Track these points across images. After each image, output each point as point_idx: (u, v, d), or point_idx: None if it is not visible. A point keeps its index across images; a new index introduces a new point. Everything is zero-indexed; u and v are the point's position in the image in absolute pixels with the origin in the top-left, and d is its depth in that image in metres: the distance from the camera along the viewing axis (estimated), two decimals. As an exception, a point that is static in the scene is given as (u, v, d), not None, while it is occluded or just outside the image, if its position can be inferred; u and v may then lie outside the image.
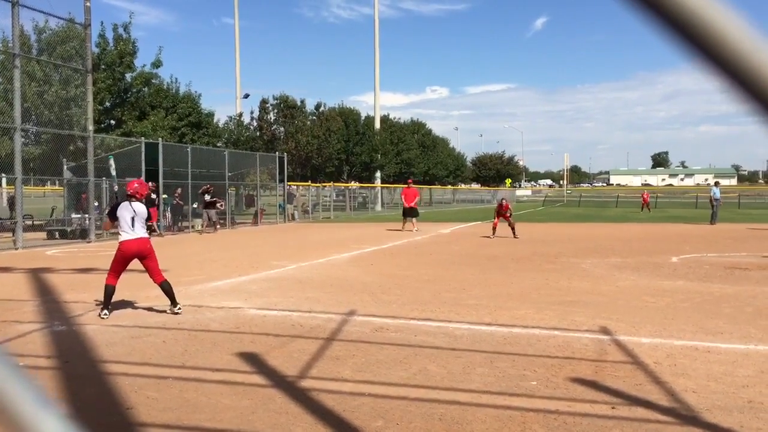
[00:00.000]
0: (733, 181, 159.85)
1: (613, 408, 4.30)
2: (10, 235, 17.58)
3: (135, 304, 8.14)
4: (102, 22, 33.16)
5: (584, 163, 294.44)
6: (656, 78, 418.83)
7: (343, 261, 13.33)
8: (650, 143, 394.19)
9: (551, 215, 37.68)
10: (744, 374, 5.02)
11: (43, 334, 6.61)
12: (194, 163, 23.78)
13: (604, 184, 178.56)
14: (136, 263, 7.61)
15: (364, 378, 5.02)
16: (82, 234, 19.61)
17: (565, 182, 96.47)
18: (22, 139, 18.49)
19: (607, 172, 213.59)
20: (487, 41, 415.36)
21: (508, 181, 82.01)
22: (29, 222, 22.37)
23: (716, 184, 28.83)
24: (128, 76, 28.43)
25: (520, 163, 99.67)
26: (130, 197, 7.65)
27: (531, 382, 4.87)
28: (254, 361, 5.56)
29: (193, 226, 24.50)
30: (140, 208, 7.62)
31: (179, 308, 7.52)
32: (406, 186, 24.73)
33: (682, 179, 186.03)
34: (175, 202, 23.80)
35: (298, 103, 42.78)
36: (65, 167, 20.86)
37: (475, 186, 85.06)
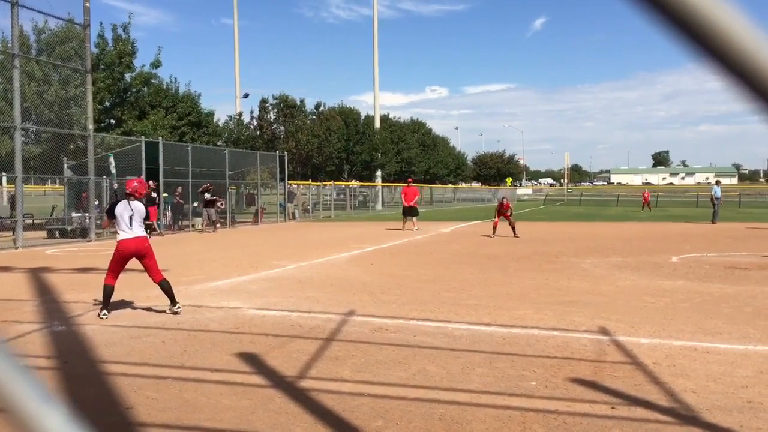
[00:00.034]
0: (734, 180, 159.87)
1: (612, 408, 4.30)
2: (11, 234, 17.58)
3: (134, 304, 8.14)
4: (101, 23, 32.86)
5: (584, 162, 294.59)
6: (656, 78, 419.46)
7: (343, 260, 13.33)
8: (650, 143, 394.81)
9: (552, 214, 37.66)
10: (743, 374, 5.02)
11: (42, 334, 6.61)
12: (195, 162, 23.80)
13: (605, 183, 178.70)
14: (135, 263, 7.61)
15: (364, 378, 5.02)
16: (83, 233, 19.63)
17: (566, 181, 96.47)
18: (23, 138, 18.49)
19: (608, 171, 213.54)
20: (486, 41, 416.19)
21: (509, 179, 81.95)
22: (29, 221, 22.37)
23: (717, 182, 28.80)
24: (127, 76, 28.42)
25: (521, 162, 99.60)
26: (129, 196, 7.66)
27: (530, 383, 4.87)
28: (254, 361, 5.56)
29: (193, 225, 24.49)
30: (138, 206, 7.62)
31: (179, 307, 7.52)
32: (406, 185, 24.36)
33: (682, 178, 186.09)
34: (175, 200, 23.82)
35: (298, 103, 42.79)
36: (65, 166, 20.89)
37: (475, 185, 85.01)
